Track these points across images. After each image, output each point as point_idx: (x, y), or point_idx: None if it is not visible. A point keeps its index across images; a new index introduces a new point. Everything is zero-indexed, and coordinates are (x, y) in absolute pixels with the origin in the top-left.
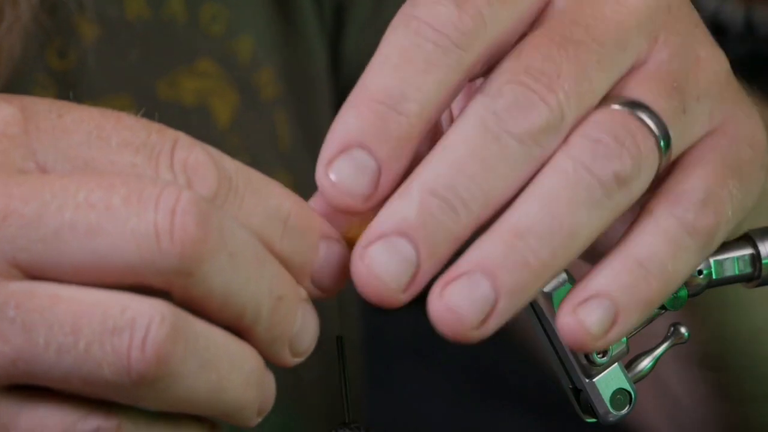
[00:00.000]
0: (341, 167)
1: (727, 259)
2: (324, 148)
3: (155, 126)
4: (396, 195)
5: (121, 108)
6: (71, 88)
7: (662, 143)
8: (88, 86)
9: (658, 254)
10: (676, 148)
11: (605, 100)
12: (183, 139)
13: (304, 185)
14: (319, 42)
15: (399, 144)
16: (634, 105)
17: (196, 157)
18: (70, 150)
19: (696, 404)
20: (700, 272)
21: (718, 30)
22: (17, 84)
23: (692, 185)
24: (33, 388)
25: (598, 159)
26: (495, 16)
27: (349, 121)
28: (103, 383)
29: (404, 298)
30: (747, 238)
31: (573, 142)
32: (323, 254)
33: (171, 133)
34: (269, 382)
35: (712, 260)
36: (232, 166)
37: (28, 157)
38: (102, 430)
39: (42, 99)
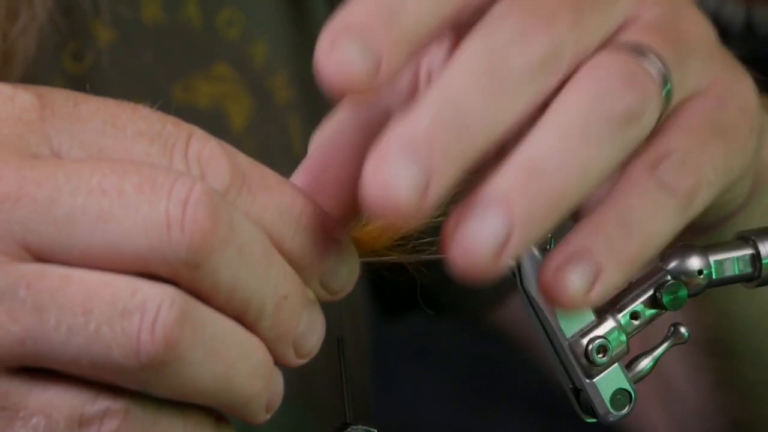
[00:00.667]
0: (343, 46)
1: (727, 259)
2: (325, 31)
3: (171, 118)
4: (408, 109)
5: None
6: (86, 92)
7: (665, 88)
8: (103, 90)
9: (636, 213)
10: (675, 98)
11: (606, 44)
12: (198, 132)
13: None
14: None
15: (405, 37)
16: (636, 49)
17: (211, 150)
18: (85, 137)
19: (698, 394)
20: (700, 272)
21: (718, 30)
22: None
23: (671, 146)
24: (42, 370)
25: (609, 95)
26: None
27: (354, 8)
28: (112, 366)
29: (415, 210)
30: (747, 239)
31: (581, 81)
32: (334, 259)
33: (186, 126)
34: (277, 378)
35: (712, 260)
36: (246, 162)
37: (43, 142)
38: (110, 412)
39: (59, 89)
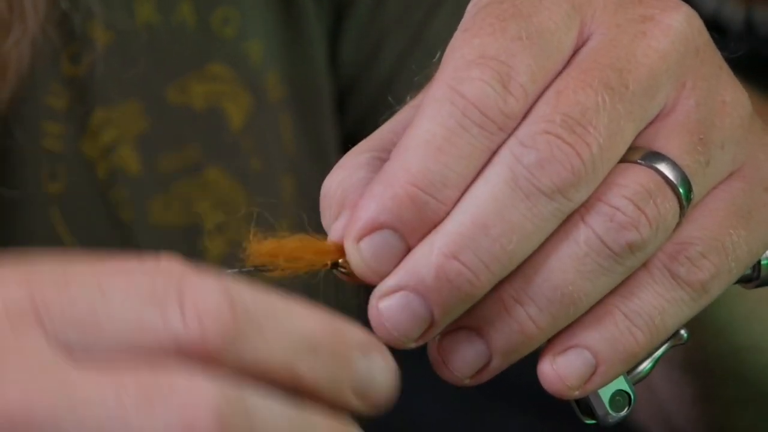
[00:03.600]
0: (370, 245)
1: None
2: (355, 221)
3: (162, 269)
4: (418, 249)
5: (131, 114)
6: (82, 95)
7: (684, 201)
8: (99, 93)
9: (645, 307)
10: (696, 200)
11: (630, 151)
12: (190, 277)
13: (307, 188)
14: (321, 45)
15: (430, 225)
16: (660, 159)
17: (207, 296)
18: (77, 314)
19: (681, 406)
20: None
21: (718, 30)
22: (30, 94)
23: (692, 235)
24: None
25: (613, 229)
26: (536, 88)
27: (385, 202)
28: None
29: (413, 346)
30: None
31: (591, 206)
32: (364, 368)
33: (177, 271)
34: None
35: None
36: (249, 296)
37: (41, 336)
38: None
39: (46, 261)
